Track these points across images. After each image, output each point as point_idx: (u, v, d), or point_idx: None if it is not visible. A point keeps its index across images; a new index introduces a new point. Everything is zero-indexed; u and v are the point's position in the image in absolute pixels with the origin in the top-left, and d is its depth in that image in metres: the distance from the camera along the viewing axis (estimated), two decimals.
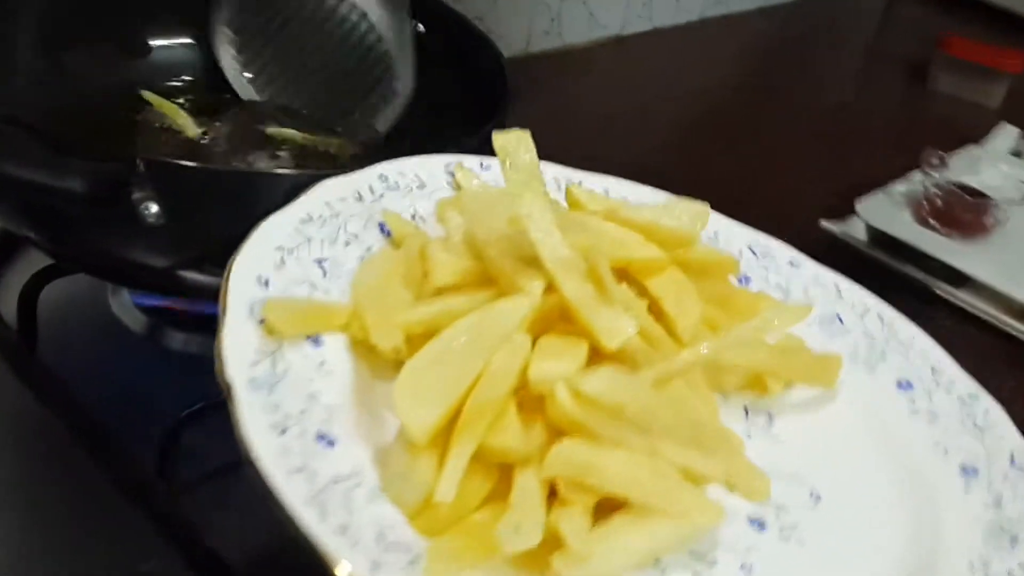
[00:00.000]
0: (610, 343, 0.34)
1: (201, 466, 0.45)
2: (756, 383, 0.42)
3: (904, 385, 0.43)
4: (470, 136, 0.52)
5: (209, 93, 0.64)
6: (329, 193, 0.40)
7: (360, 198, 0.41)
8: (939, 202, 0.86)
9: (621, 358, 0.36)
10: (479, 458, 0.31)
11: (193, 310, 0.53)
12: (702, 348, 0.36)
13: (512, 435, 0.31)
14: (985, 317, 0.75)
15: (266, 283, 0.34)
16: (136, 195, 0.39)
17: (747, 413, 0.41)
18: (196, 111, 0.61)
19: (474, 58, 0.61)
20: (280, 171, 0.50)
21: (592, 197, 0.42)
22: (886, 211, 0.87)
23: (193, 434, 0.46)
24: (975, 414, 0.42)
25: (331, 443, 0.30)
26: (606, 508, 0.32)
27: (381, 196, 0.41)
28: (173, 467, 0.45)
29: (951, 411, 0.42)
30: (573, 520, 0.30)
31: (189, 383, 0.47)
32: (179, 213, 0.41)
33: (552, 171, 0.47)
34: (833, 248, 0.75)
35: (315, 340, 0.34)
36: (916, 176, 0.89)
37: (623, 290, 0.39)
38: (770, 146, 0.90)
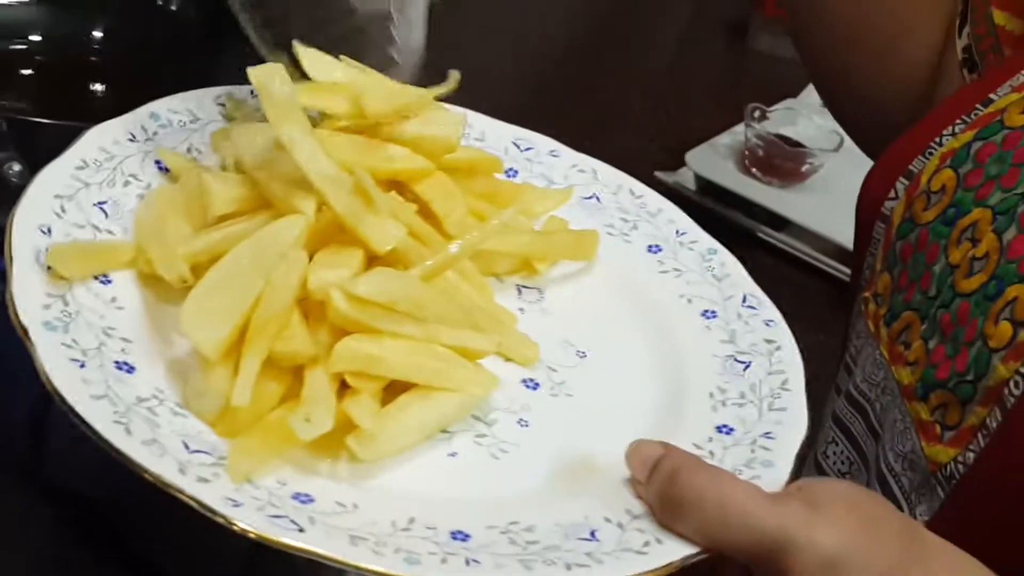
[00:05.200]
0: (381, 247, 0.38)
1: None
2: (526, 265, 0.47)
3: (654, 248, 0.49)
4: None
5: (55, 54, 0.62)
6: (101, 138, 0.41)
7: (134, 138, 0.42)
8: (760, 152, 0.94)
9: (395, 260, 0.40)
10: (271, 364, 0.34)
11: None
12: (465, 239, 0.40)
13: (298, 340, 0.35)
14: (803, 257, 0.83)
15: (48, 231, 0.36)
16: None
17: (520, 292, 0.46)
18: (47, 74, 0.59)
19: None
20: None
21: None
22: (712, 162, 0.95)
23: None
24: (713, 266, 0.48)
25: (130, 370, 0.33)
26: (394, 391, 0.37)
27: (155, 134, 0.43)
28: (44, 433, 0.45)
29: (693, 266, 0.48)
30: (362, 405, 0.34)
31: None
32: None
33: None
34: (668, 197, 0.80)
35: (103, 279, 0.36)
36: (739, 129, 0.96)
37: (391, 198, 0.43)
38: (604, 107, 0.93)
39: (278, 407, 0.34)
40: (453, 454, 0.37)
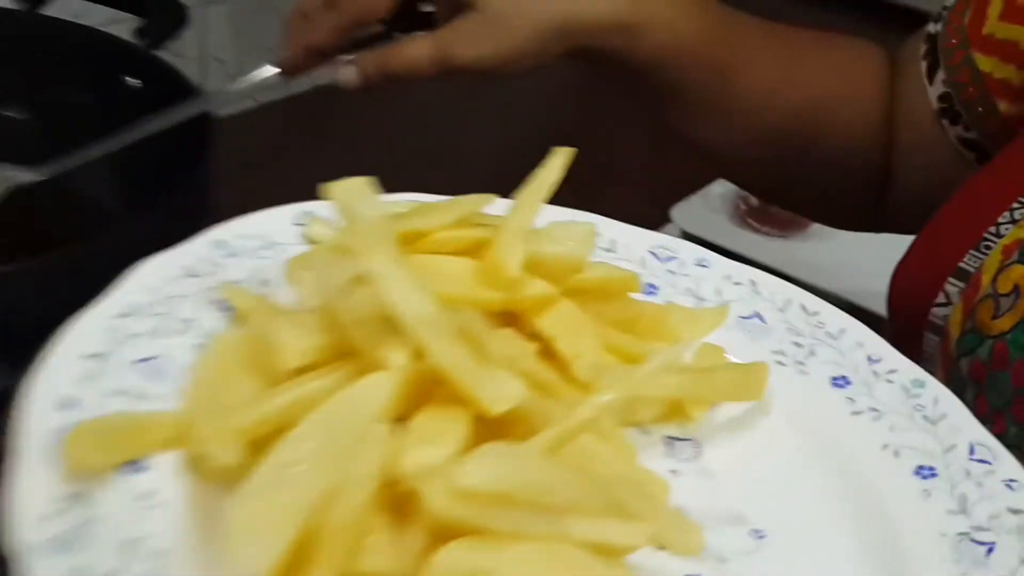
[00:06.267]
0: (495, 409, 0.29)
1: None
2: (677, 411, 0.37)
3: (840, 382, 0.39)
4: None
5: None
6: (152, 275, 0.34)
7: (194, 274, 0.35)
8: (755, 200, 0.83)
9: (511, 421, 0.31)
10: None
11: None
12: (603, 394, 0.31)
13: (382, 556, 0.26)
14: None
15: (72, 405, 0.28)
16: None
17: (670, 446, 0.36)
18: None
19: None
20: None
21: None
22: (702, 215, 0.85)
23: None
24: (923, 405, 0.37)
25: None
26: None
27: (218, 266, 0.36)
28: None
29: (896, 404, 0.38)
30: None
31: None
32: None
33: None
34: None
35: (137, 466, 0.28)
36: None
37: (508, 336, 0.34)
38: (589, 157, 0.86)
39: None
40: None
